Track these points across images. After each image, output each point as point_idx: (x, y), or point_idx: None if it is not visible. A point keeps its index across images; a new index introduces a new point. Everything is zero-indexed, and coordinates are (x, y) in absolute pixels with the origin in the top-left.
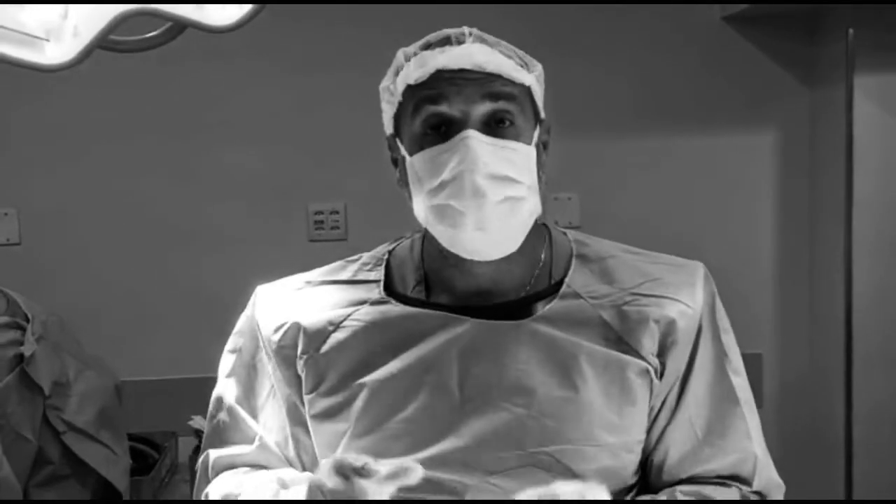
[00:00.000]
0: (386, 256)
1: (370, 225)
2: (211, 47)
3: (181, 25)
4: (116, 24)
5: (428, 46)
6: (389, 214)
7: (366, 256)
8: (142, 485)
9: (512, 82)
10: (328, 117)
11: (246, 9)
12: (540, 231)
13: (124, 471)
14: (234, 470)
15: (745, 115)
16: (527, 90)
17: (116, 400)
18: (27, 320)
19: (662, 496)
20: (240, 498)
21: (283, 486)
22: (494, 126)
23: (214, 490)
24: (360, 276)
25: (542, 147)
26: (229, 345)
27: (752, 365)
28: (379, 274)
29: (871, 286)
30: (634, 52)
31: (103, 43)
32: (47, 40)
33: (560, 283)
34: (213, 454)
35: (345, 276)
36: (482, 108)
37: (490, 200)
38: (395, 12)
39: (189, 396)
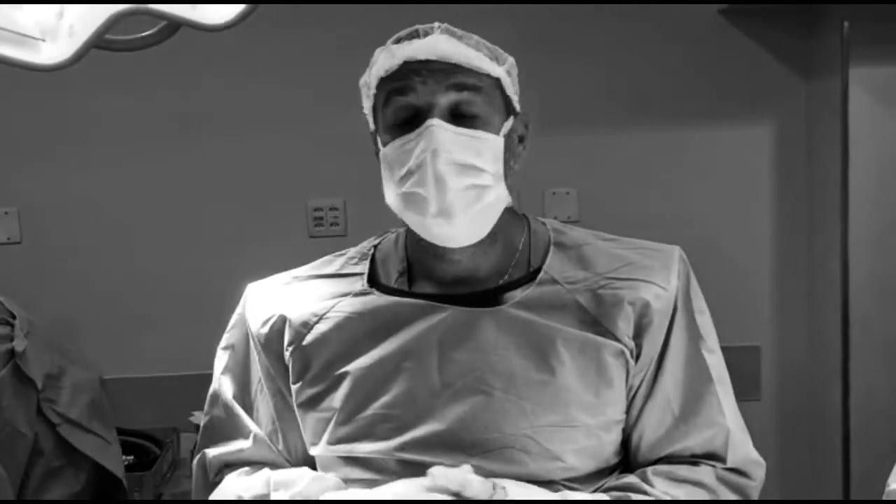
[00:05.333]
0: (371, 250)
1: (370, 221)
2: (209, 45)
3: (176, 24)
4: (112, 24)
5: (398, 41)
6: (389, 211)
7: (352, 251)
8: (143, 480)
9: (478, 73)
10: (327, 113)
11: (240, 7)
12: (518, 221)
13: (118, 458)
14: (237, 472)
15: (741, 107)
16: (495, 82)
17: (103, 392)
18: (13, 317)
19: (632, 478)
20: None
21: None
22: (460, 116)
23: (220, 495)
24: (346, 270)
25: (518, 140)
26: (223, 342)
27: (751, 357)
28: (364, 267)
29: (868, 276)
30: (631, 46)
31: (99, 42)
32: (43, 40)
33: (538, 270)
34: (210, 453)
35: (331, 270)
36: (447, 98)
37: (452, 187)
38: (393, 10)
39: (190, 392)
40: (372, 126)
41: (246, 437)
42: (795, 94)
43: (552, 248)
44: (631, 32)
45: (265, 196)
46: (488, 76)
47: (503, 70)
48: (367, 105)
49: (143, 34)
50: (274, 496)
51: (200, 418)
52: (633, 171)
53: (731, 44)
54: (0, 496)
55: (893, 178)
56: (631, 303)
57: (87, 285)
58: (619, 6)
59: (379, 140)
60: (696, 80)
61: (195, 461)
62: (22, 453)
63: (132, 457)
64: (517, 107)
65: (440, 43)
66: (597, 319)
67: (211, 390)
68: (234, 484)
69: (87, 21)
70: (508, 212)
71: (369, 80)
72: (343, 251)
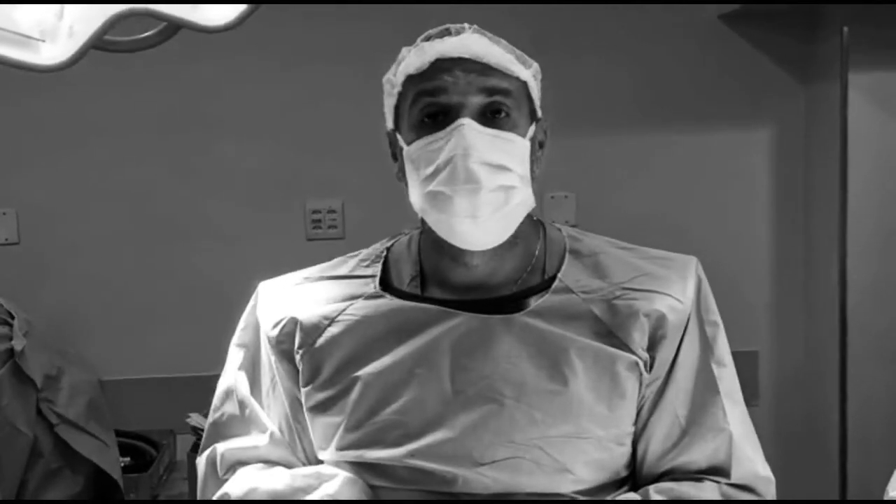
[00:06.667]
0: (384, 252)
1: (368, 224)
2: (208, 44)
3: (175, 25)
4: (111, 25)
5: (428, 38)
6: (387, 213)
7: (364, 252)
8: (140, 482)
9: (508, 76)
10: (326, 114)
11: (240, 8)
12: (534, 226)
13: (116, 460)
14: (253, 467)
15: (741, 111)
16: (523, 85)
17: (101, 394)
18: (11, 317)
19: (632, 495)
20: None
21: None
22: (490, 117)
23: (235, 487)
24: (358, 272)
25: (539, 145)
26: (237, 339)
27: (749, 361)
28: (376, 269)
29: (866, 281)
30: (631, 50)
31: (98, 43)
32: (42, 41)
33: (553, 278)
34: (222, 448)
35: (342, 271)
36: (478, 100)
37: (484, 187)
38: (392, 9)
39: (187, 394)
40: (390, 125)
41: (262, 432)
42: (795, 98)
43: (567, 255)
44: (630, 37)
45: (264, 198)
46: (517, 79)
47: (530, 74)
48: (389, 103)
49: (143, 35)
50: (300, 495)
51: (197, 420)
52: (632, 175)
53: (731, 48)
54: None
55: (892, 183)
56: (646, 314)
57: (84, 286)
58: (618, 9)
59: (400, 138)
60: (695, 85)
61: (203, 456)
62: (22, 452)
63: (129, 458)
64: (539, 112)
65: (473, 42)
66: (611, 330)
67: (223, 386)
68: (251, 476)
69: (86, 22)
70: (527, 217)
71: (394, 78)
72: (355, 252)
